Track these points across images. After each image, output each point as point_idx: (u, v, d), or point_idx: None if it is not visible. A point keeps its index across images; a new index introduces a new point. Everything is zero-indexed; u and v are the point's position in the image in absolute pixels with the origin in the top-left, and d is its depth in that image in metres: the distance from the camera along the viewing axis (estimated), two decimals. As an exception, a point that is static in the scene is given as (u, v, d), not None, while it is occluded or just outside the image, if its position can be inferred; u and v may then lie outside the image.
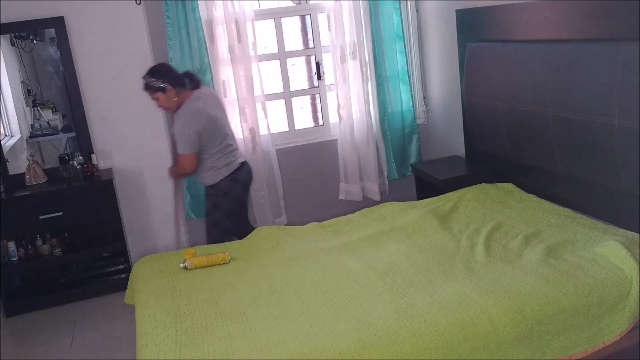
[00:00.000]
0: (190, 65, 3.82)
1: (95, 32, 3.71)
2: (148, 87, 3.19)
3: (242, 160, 3.42)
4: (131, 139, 3.90)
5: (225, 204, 3.30)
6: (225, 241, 3.29)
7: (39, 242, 3.78)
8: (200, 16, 3.77)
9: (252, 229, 3.52)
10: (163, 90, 3.14)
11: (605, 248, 2.43)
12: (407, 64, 4.25)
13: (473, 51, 3.56)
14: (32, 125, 3.97)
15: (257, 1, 4.13)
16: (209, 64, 3.86)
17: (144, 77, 3.18)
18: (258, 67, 3.98)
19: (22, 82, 3.88)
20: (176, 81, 3.19)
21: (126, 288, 2.97)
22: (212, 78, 3.87)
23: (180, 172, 3.31)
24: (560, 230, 2.74)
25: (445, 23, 3.99)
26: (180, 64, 3.79)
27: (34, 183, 3.74)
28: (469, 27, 3.66)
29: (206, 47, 3.82)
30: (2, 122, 3.86)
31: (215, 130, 3.20)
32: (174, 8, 3.71)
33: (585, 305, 2.20)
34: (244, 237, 3.22)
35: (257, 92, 4.00)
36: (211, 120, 3.17)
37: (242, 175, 3.36)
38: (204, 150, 3.20)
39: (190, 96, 3.20)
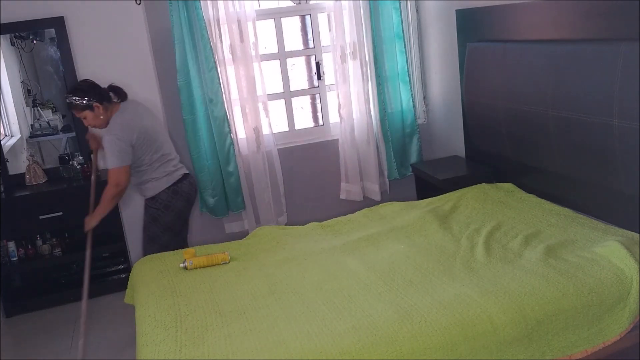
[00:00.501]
0: (196, 65, 3.81)
1: (95, 32, 3.71)
2: (74, 107, 2.99)
3: (185, 172, 3.24)
4: (131, 139, 3.90)
5: (165, 218, 3.14)
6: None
7: (39, 242, 3.78)
8: (203, 16, 3.77)
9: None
10: (91, 108, 2.96)
11: (605, 248, 2.43)
12: (407, 64, 4.25)
13: (473, 51, 3.56)
14: (32, 125, 3.97)
15: (258, 1, 4.13)
16: (215, 63, 3.86)
17: (68, 97, 2.99)
18: (260, 67, 3.98)
19: (22, 82, 3.88)
20: (103, 96, 3.01)
21: (126, 288, 2.98)
22: (218, 78, 3.87)
23: (113, 192, 3.00)
24: (560, 230, 2.74)
25: (445, 23, 3.99)
26: (185, 64, 3.78)
27: (34, 183, 3.74)
28: (469, 27, 3.66)
29: (211, 47, 3.82)
30: (2, 122, 3.86)
31: (148, 140, 3.04)
32: (177, 8, 3.70)
33: (585, 305, 2.20)
34: None
35: (259, 92, 4.01)
36: (142, 131, 3.01)
37: (184, 188, 3.18)
38: (139, 162, 3.05)
39: (117, 109, 3.05)
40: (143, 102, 3.83)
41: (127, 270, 3.81)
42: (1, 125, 3.84)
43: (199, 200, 4.08)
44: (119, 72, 3.77)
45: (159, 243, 3.15)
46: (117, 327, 3.36)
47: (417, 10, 4.36)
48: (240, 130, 4.07)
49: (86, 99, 2.95)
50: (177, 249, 3.12)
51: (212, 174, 3.98)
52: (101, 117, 3.00)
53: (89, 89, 3.00)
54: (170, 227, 3.17)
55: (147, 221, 3.19)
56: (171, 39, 3.77)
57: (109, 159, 2.96)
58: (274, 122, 4.18)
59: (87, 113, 2.98)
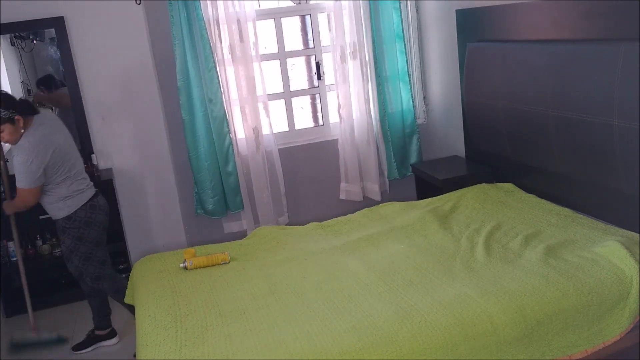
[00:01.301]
0: (195, 65, 3.81)
1: (95, 32, 3.71)
2: None
3: (95, 190, 3.07)
4: (131, 139, 3.91)
5: (91, 234, 2.97)
6: (105, 272, 3.05)
7: (39, 242, 3.78)
8: (203, 16, 3.77)
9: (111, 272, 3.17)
10: (12, 121, 2.72)
11: (605, 248, 2.43)
12: (407, 64, 4.25)
13: (473, 51, 3.56)
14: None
15: (258, 1, 4.14)
16: (215, 63, 3.86)
17: None
18: (260, 67, 3.98)
19: (22, 82, 3.88)
20: (23, 109, 2.77)
21: (126, 288, 2.98)
22: (218, 78, 3.87)
23: (19, 206, 2.88)
24: (560, 230, 2.74)
25: (445, 23, 3.99)
26: (184, 64, 3.78)
27: (34, 183, 3.74)
28: (469, 27, 3.66)
29: (210, 47, 3.81)
30: (2, 122, 3.86)
31: (61, 159, 2.84)
32: (176, 8, 3.70)
33: (585, 305, 2.20)
34: (101, 278, 3.04)
35: (259, 92, 4.01)
36: (58, 148, 2.82)
37: (101, 202, 3.05)
38: (50, 180, 2.83)
39: (31, 123, 2.80)
40: (144, 103, 3.86)
41: (127, 270, 3.80)
42: (1, 125, 3.84)
43: (195, 202, 4.08)
44: (119, 72, 3.78)
45: (96, 260, 3.02)
46: (117, 327, 3.36)
47: (417, 10, 4.36)
48: (240, 130, 4.07)
49: (8, 110, 2.71)
50: (107, 260, 3.08)
51: (210, 174, 3.98)
52: (22, 131, 2.76)
53: (8, 100, 2.77)
54: (98, 242, 3.03)
55: (71, 243, 2.98)
56: (171, 39, 3.77)
57: (19, 178, 2.75)
58: (274, 122, 4.18)
59: (7, 127, 2.72)
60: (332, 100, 4.35)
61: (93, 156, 3.82)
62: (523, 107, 3.10)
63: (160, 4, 3.78)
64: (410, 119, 4.34)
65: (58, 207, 2.91)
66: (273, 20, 4.18)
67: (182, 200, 4.09)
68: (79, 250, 2.99)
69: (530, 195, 3.23)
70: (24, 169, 2.73)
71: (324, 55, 4.31)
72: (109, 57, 3.75)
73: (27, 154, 2.72)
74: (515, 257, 2.54)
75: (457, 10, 3.77)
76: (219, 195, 4.03)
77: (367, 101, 4.18)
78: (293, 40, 4.35)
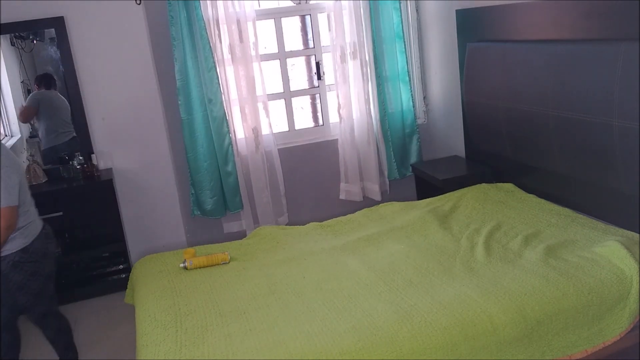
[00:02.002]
0: (195, 65, 3.81)
1: (95, 32, 3.71)
2: None
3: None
4: (131, 139, 3.90)
5: (46, 267, 2.62)
6: (53, 308, 2.72)
7: (39, 242, 3.77)
8: (203, 16, 3.77)
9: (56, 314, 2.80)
10: None
11: (605, 248, 2.43)
12: (407, 64, 4.25)
13: (473, 51, 3.56)
14: (32, 125, 3.97)
15: (257, 1, 4.14)
16: (214, 63, 3.85)
17: None
18: (260, 67, 3.98)
19: (22, 82, 3.88)
20: None
21: (126, 288, 2.98)
22: (217, 78, 3.87)
23: (2, 236, 2.38)
24: (560, 230, 2.75)
25: (445, 23, 4.00)
26: (184, 64, 3.78)
27: (34, 183, 3.74)
28: (469, 27, 3.66)
29: (210, 47, 3.81)
30: (2, 122, 3.86)
31: (24, 178, 2.54)
32: (176, 8, 3.70)
33: (585, 305, 2.20)
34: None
35: (259, 92, 4.01)
36: (19, 165, 2.54)
37: (50, 231, 2.73)
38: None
39: None
40: (144, 103, 3.86)
41: (127, 270, 3.81)
42: (1, 125, 3.84)
43: (191, 204, 4.08)
44: (119, 72, 3.78)
45: (46, 294, 2.66)
46: (117, 327, 3.36)
47: (417, 10, 4.36)
48: (239, 130, 4.07)
49: None
50: (54, 295, 2.74)
51: (210, 174, 3.98)
52: None
53: None
54: (51, 275, 2.68)
55: (22, 279, 2.54)
56: (170, 39, 3.77)
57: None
58: (274, 122, 4.18)
59: None
60: (332, 100, 4.35)
61: (93, 156, 3.82)
62: (523, 107, 3.10)
63: (160, 4, 3.78)
64: (410, 119, 4.34)
65: (15, 237, 2.50)
66: (273, 20, 4.18)
67: (182, 201, 4.09)
68: (30, 288, 2.58)
69: (530, 195, 3.23)
70: (4, 184, 2.34)
71: (324, 55, 4.31)
72: (109, 57, 3.75)
73: (5, 166, 2.35)
74: (515, 257, 2.54)
75: (457, 10, 3.77)
76: (217, 195, 4.02)
77: (367, 101, 4.19)
78: (293, 40, 4.35)
